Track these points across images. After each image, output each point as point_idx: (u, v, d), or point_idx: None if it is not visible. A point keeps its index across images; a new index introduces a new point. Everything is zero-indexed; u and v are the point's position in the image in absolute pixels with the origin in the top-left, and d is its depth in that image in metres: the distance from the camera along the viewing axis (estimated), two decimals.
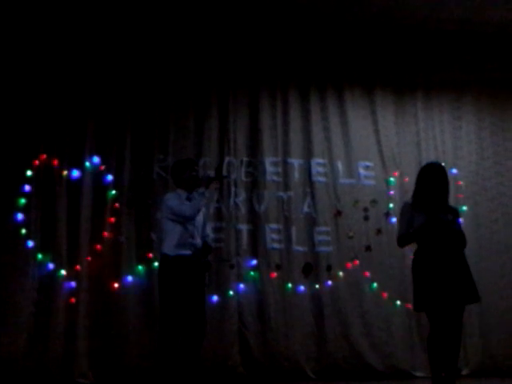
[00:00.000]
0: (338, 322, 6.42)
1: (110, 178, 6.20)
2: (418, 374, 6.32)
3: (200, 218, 4.70)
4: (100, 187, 6.18)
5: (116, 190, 6.20)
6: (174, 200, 4.60)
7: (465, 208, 6.73)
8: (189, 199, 4.62)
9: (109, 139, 6.28)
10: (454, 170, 6.91)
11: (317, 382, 6.14)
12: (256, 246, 6.45)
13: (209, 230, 5.06)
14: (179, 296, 4.46)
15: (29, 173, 6.01)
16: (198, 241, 4.63)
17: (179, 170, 4.75)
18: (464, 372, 6.34)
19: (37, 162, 6.08)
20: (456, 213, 4.80)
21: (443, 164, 5.03)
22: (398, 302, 6.41)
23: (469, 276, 4.59)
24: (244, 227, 6.47)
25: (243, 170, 6.59)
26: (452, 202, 5.04)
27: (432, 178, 4.66)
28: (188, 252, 4.54)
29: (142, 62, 6.43)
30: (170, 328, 4.44)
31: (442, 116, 7.13)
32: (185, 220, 4.53)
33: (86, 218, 6.09)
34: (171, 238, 4.57)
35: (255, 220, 6.50)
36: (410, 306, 4.83)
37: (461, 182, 6.90)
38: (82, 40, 6.29)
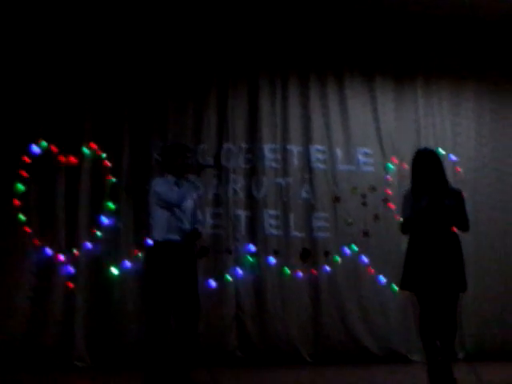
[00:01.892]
0: (335, 307, 6.46)
1: (108, 163, 6.21)
2: (415, 358, 6.36)
3: (189, 203, 4.63)
4: (98, 173, 6.19)
5: (114, 176, 6.21)
6: (161, 186, 4.56)
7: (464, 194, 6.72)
8: (177, 185, 4.58)
9: (107, 125, 6.28)
10: (453, 157, 6.91)
11: (313, 365, 6.19)
12: (254, 231, 6.47)
13: (200, 216, 4.99)
14: (167, 281, 4.42)
15: (26, 159, 6.03)
16: (187, 226, 4.57)
17: (170, 155, 4.66)
18: (460, 356, 6.37)
19: (35, 149, 6.08)
20: (459, 195, 4.77)
21: (439, 149, 5.01)
22: (395, 287, 6.43)
23: (459, 265, 4.58)
24: (242, 213, 6.49)
25: (242, 156, 6.60)
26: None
27: (423, 164, 4.65)
28: (176, 237, 4.49)
29: (140, 48, 6.42)
30: (154, 314, 4.41)
31: (442, 103, 7.11)
32: (171, 206, 4.49)
33: (84, 203, 6.11)
34: (159, 224, 4.54)
35: (254, 206, 6.52)
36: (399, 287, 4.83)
37: (460, 169, 6.90)
38: (80, 26, 6.28)
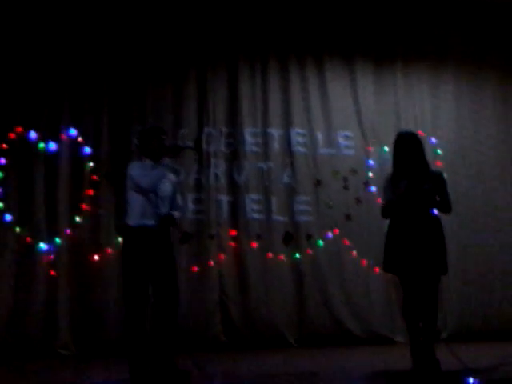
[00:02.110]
0: (318, 290, 6.50)
1: (87, 149, 6.15)
2: (398, 339, 6.44)
3: (167, 188, 4.56)
4: (78, 159, 6.13)
5: (94, 162, 6.16)
6: (136, 170, 4.49)
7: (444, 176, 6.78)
8: (154, 169, 4.51)
9: (86, 111, 6.21)
10: (433, 139, 6.95)
11: (298, 348, 6.23)
12: (236, 216, 6.47)
13: (180, 201, 4.87)
14: (142, 267, 4.38)
15: (4, 146, 5.93)
16: (164, 211, 4.48)
17: (145, 138, 4.59)
18: (442, 336, 6.45)
19: (13, 135, 6.00)
20: (439, 178, 4.79)
21: (418, 131, 5.02)
22: (378, 270, 6.48)
23: (440, 247, 4.62)
24: (224, 198, 6.48)
25: (223, 140, 6.57)
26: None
27: (404, 147, 4.67)
28: (151, 222, 4.43)
29: (119, 33, 6.33)
30: (131, 300, 4.37)
31: (421, 85, 7.13)
32: (145, 191, 4.42)
33: (64, 190, 6.05)
34: (134, 209, 4.46)
35: (235, 191, 6.51)
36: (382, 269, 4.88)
37: (440, 151, 6.94)
38: (58, 10, 6.18)
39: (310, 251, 6.54)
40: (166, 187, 4.54)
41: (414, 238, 4.55)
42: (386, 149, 6.65)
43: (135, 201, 4.46)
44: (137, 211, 4.44)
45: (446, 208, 4.72)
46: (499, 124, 7.19)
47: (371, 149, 6.86)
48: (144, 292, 4.37)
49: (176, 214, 4.67)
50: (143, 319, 4.36)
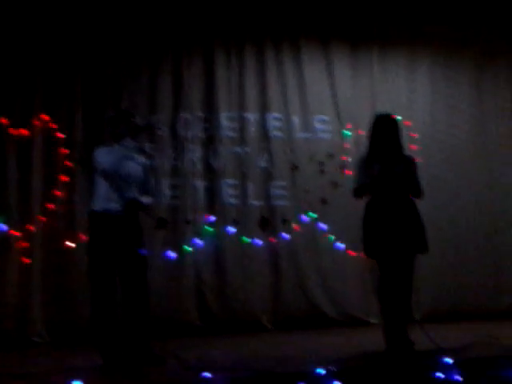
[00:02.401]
0: (295, 274, 6.53)
1: (61, 136, 6.07)
2: (373, 320, 6.49)
3: (136, 171, 4.50)
4: (51, 145, 6.04)
5: (68, 149, 6.08)
6: (100, 153, 4.45)
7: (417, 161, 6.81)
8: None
9: (59, 97, 6.10)
10: (409, 123, 6.97)
11: (274, 332, 6.26)
12: (213, 201, 6.45)
13: (153, 184, 4.77)
14: (108, 253, 4.34)
15: None
16: (130, 195, 4.40)
17: (113, 123, 4.55)
18: (416, 317, 6.52)
19: None
20: (411, 161, 4.85)
21: (395, 115, 5.06)
22: (353, 253, 6.52)
23: (419, 226, 4.67)
24: (200, 183, 6.45)
25: (199, 125, 6.52)
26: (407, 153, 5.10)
27: (382, 129, 4.70)
28: (116, 207, 4.36)
29: (92, 17, 6.22)
30: (98, 288, 4.34)
31: (397, 69, 7.14)
32: (107, 173, 4.36)
33: (37, 177, 5.97)
34: (99, 193, 4.42)
35: (211, 176, 6.49)
36: (363, 255, 4.93)
37: (415, 134, 6.97)
38: None
39: (286, 235, 6.54)
40: (130, 168, 4.45)
41: (392, 221, 4.58)
42: (349, 133, 6.69)
43: (100, 185, 4.43)
44: (101, 196, 4.40)
45: (415, 192, 4.76)
46: (473, 108, 7.23)
47: (348, 133, 6.87)
48: (110, 279, 4.33)
49: (146, 198, 4.59)
50: (110, 307, 4.33)
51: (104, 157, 4.41)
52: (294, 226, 6.54)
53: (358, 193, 4.80)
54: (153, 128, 5.48)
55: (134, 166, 4.51)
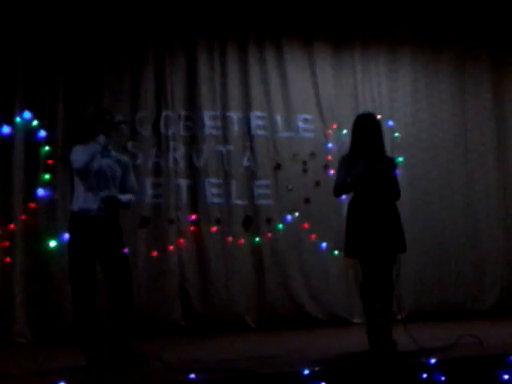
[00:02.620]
0: (278, 273, 6.54)
1: (42, 133, 5.99)
2: (356, 320, 6.55)
3: (114, 169, 4.44)
4: (32, 143, 5.96)
5: (49, 146, 6.01)
6: (74, 152, 4.40)
7: (400, 159, 6.86)
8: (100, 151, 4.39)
9: (40, 94, 6.02)
10: (391, 122, 7.01)
11: (258, 331, 6.27)
12: (196, 200, 6.43)
13: (134, 182, 4.70)
14: (87, 252, 4.30)
15: None
16: (106, 194, 4.33)
17: (90, 122, 4.49)
18: (399, 317, 6.56)
19: None
20: (392, 163, 4.90)
21: (377, 114, 5.09)
22: (336, 252, 6.55)
23: (398, 227, 4.71)
24: (183, 182, 6.42)
25: (181, 124, 6.49)
26: (388, 153, 5.13)
27: (364, 128, 4.72)
28: (94, 206, 4.33)
29: (74, 12, 6.14)
30: (78, 289, 4.31)
31: (379, 68, 7.18)
32: (81, 172, 4.33)
33: (18, 175, 5.89)
34: (77, 193, 4.36)
35: (195, 175, 6.46)
36: (344, 255, 4.95)
37: (397, 134, 7.01)
38: None
39: (269, 235, 6.56)
40: (103, 165, 4.38)
41: (374, 221, 4.60)
42: (345, 131, 6.67)
43: (78, 185, 4.39)
44: (79, 196, 4.36)
45: (394, 195, 4.79)
46: (454, 108, 7.30)
47: (330, 132, 6.89)
48: (89, 280, 4.30)
49: (125, 196, 4.53)
50: (91, 307, 4.30)
51: (77, 155, 4.37)
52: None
53: (339, 191, 4.83)
54: (125, 123, 5.43)
55: (109, 162, 4.44)
